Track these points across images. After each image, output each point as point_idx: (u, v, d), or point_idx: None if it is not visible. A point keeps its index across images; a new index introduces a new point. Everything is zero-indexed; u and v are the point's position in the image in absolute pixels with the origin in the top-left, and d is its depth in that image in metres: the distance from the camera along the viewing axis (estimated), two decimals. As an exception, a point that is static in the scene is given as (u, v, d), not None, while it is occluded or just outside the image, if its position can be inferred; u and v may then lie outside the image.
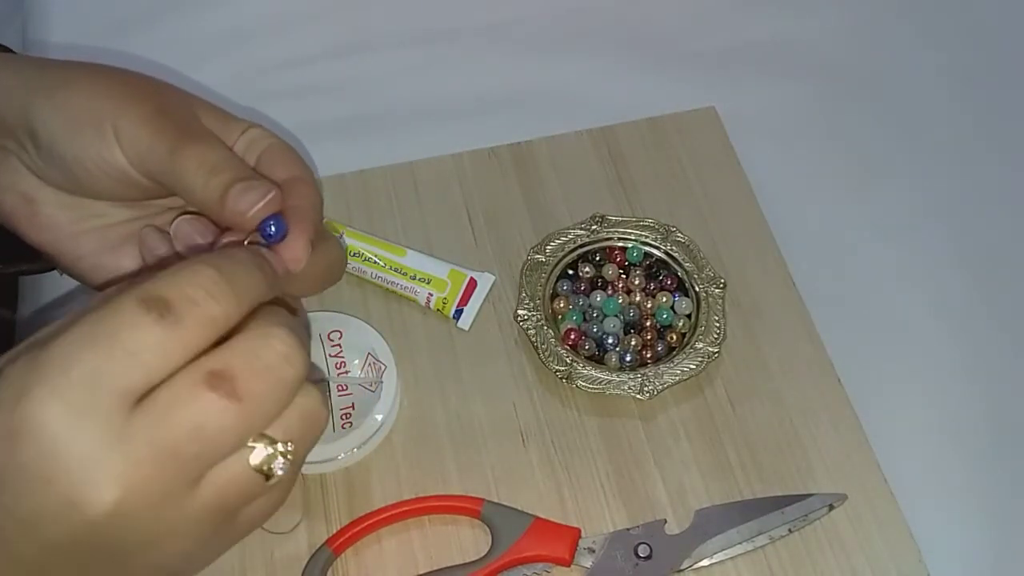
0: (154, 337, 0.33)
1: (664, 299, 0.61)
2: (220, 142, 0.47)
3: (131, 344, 0.33)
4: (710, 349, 0.59)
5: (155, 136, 0.45)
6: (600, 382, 0.58)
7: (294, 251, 0.44)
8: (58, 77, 0.47)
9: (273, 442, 0.36)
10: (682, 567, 0.53)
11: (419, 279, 0.61)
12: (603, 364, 0.59)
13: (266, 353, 0.35)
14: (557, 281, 0.62)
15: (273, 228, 0.44)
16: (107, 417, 0.33)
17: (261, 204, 0.44)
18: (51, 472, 0.32)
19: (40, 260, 0.52)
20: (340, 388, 0.57)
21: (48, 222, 0.49)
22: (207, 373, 0.34)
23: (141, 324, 0.33)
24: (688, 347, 0.59)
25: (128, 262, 0.49)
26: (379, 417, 0.56)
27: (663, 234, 0.63)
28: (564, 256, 0.63)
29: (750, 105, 0.71)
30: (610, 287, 0.62)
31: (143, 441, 0.33)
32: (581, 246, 0.63)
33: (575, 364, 0.58)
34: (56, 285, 0.65)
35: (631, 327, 0.61)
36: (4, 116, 0.47)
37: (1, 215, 0.49)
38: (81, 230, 0.49)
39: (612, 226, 0.64)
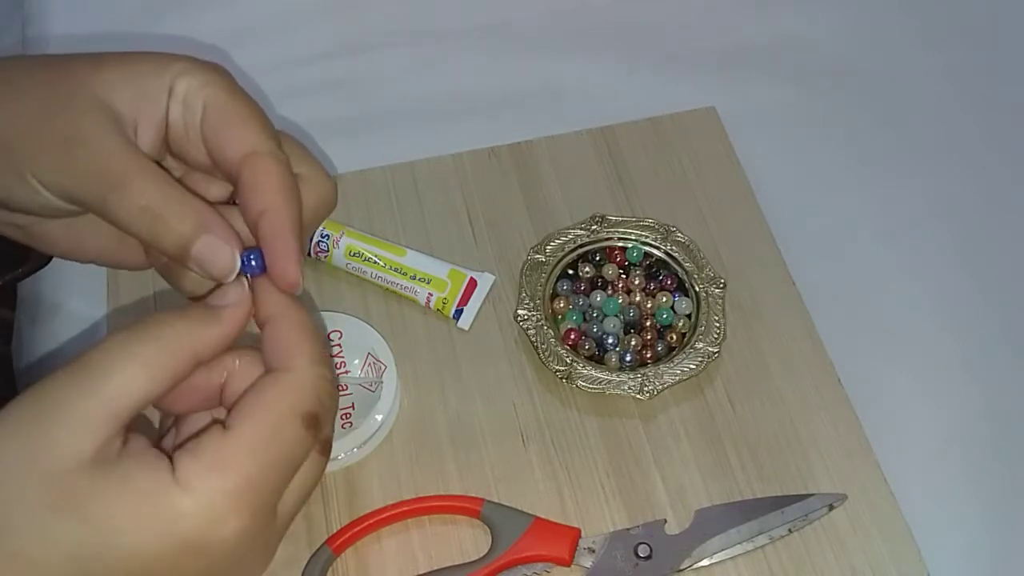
0: (309, 449, 0.40)
1: (664, 299, 0.61)
2: (150, 175, 0.42)
3: (295, 459, 0.39)
4: (710, 349, 0.59)
5: (78, 185, 0.42)
6: (600, 382, 0.58)
7: (286, 279, 0.42)
8: None
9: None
10: (682, 567, 0.53)
11: (419, 279, 0.61)
12: (603, 364, 0.59)
13: (334, 395, 0.42)
14: (557, 281, 0.62)
15: (254, 262, 0.42)
16: (272, 516, 0.39)
17: (231, 274, 0.42)
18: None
19: (28, 262, 0.52)
20: (340, 388, 0.57)
21: (45, 239, 0.48)
22: (323, 443, 0.41)
23: (303, 442, 0.39)
24: (688, 347, 0.59)
25: (137, 253, 0.47)
26: (379, 417, 0.56)
27: (663, 234, 0.63)
28: (564, 256, 0.63)
29: (750, 105, 0.71)
30: (610, 287, 0.62)
31: (289, 518, 0.41)
32: (581, 246, 0.63)
33: (575, 364, 0.58)
34: (56, 286, 0.65)
35: (631, 327, 0.61)
36: None
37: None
38: (80, 237, 0.48)
39: (612, 226, 0.64)
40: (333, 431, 0.42)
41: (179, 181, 0.44)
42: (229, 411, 0.39)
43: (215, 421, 0.40)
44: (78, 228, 0.47)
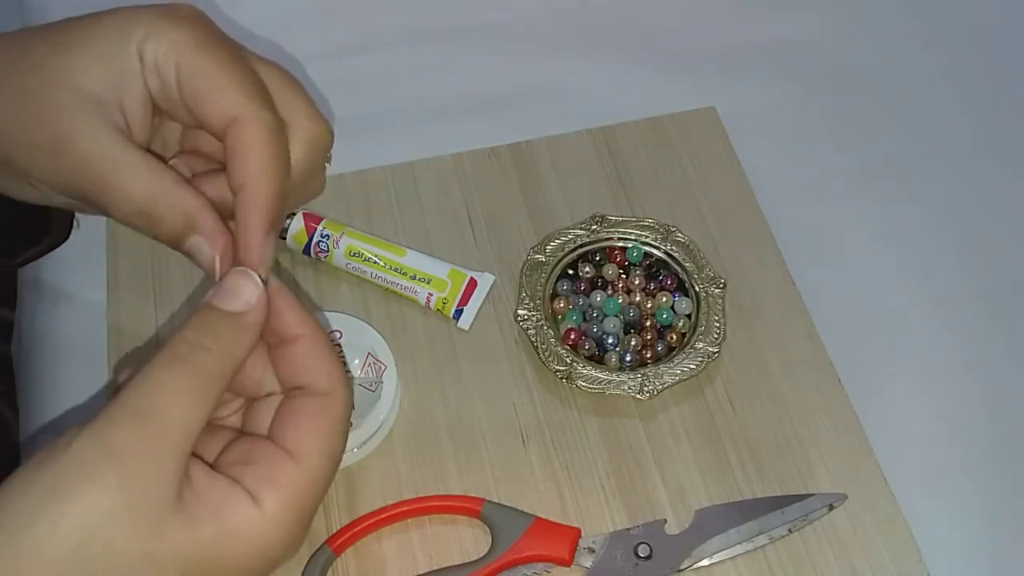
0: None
1: (664, 299, 0.61)
2: (137, 173, 0.42)
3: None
4: (710, 349, 0.59)
5: (76, 187, 0.43)
6: (600, 382, 0.58)
7: (248, 259, 0.42)
8: None
9: None
10: (682, 567, 0.53)
11: (419, 279, 0.61)
12: (603, 364, 0.59)
13: None
14: (557, 281, 0.62)
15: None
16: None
17: (217, 268, 0.43)
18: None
19: (47, 238, 0.52)
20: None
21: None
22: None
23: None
24: (688, 347, 0.59)
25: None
26: (379, 417, 0.56)
27: (663, 234, 0.63)
28: (564, 256, 0.63)
29: (750, 105, 0.71)
30: (610, 287, 0.62)
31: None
32: (581, 246, 0.63)
33: (575, 364, 0.58)
34: (56, 285, 0.65)
35: (631, 327, 0.61)
36: None
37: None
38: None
39: (612, 226, 0.64)
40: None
41: (183, 142, 0.45)
42: (277, 426, 0.42)
43: (266, 440, 0.42)
44: None
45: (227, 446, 0.42)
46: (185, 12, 0.43)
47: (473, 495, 0.55)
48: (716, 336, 0.60)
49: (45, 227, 0.57)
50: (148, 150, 0.44)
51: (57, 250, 0.66)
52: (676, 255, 0.63)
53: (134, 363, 0.43)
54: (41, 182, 0.43)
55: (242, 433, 0.44)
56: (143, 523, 0.36)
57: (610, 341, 0.60)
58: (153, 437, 0.37)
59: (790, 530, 0.54)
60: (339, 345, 0.59)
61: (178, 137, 0.48)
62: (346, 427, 0.42)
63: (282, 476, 0.40)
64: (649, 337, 0.60)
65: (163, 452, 0.37)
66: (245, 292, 0.41)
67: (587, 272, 0.63)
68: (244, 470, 0.40)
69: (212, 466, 0.40)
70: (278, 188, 0.43)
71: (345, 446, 0.42)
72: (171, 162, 0.45)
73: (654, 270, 0.63)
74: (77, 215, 0.58)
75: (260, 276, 0.42)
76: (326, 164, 0.49)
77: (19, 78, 0.42)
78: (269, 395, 0.44)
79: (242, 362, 0.41)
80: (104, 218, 0.65)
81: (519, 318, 0.60)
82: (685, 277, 0.62)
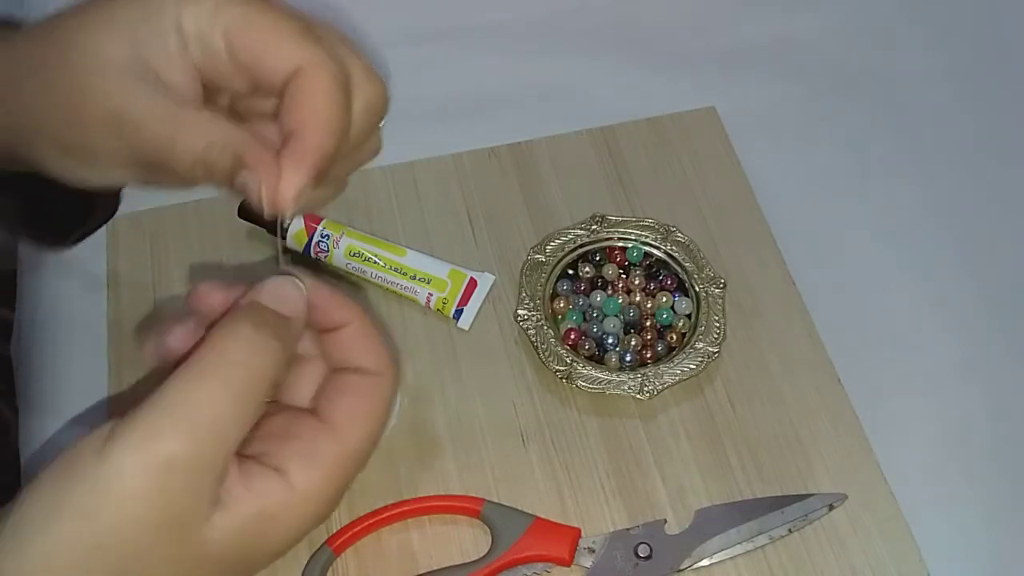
0: None
1: (664, 299, 0.61)
2: (194, 120, 0.41)
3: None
4: (710, 349, 0.59)
5: (138, 159, 0.42)
6: (600, 382, 0.58)
7: (275, 201, 0.42)
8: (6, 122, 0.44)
9: None
10: (682, 567, 0.53)
11: (419, 279, 0.61)
12: (603, 364, 0.59)
13: None
14: (557, 281, 0.62)
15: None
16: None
17: (267, 206, 0.42)
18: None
19: (94, 215, 0.54)
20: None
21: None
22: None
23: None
24: (688, 347, 0.59)
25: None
26: (379, 417, 0.56)
27: (663, 234, 0.63)
28: (564, 256, 0.63)
29: (750, 105, 0.71)
30: (610, 287, 0.62)
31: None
32: (581, 246, 0.63)
33: (575, 364, 0.58)
34: (56, 285, 0.65)
35: (631, 327, 0.61)
36: None
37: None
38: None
39: (612, 226, 0.64)
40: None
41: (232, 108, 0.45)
42: (320, 401, 0.43)
43: (309, 413, 0.42)
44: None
45: (266, 416, 0.42)
46: None
47: (473, 495, 0.55)
48: (716, 336, 0.60)
49: (92, 205, 0.57)
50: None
51: (57, 250, 0.66)
52: (676, 255, 0.63)
53: (153, 330, 0.43)
54: (106, 158, 0.43)
55: (279, 404, 0.44)
56: (186, 534, 0.37)
57: (610, 341, 0.60)
58: (202, 451, 0.37)
59: (790, 530, 0.54)
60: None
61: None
62: (390, 410, 0.43)
63: (322, 452, 0.40)
64: (649, 337, 0.60)
65: (211, 466, 0.37)
66: (291, 299, 0.42)
67: (587, 272, 0.63)
68: (284, 445, 0.40)
69: (250, 437, 0.40)
70: (334, 141, 0.42)
71: (384, 429, 0.43)
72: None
73: (654, 270, 0.63)
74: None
75: (287, 217, 0.42)
76: (380, 126, 0.47)
77: (59, 69, 0.42)
78: (308, 362, 0.45)
79: (283, 372, 0.41)
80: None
81: (519, 318, 0.60)
82: (685, 277, 0.62)
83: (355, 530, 0.53)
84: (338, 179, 0.47)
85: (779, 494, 0.55)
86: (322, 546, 0.53)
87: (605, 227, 0.64)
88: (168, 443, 0.36)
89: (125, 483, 0.36)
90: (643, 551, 0.53)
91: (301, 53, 0.41)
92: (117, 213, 0.65)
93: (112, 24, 0.42)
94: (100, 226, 0.60)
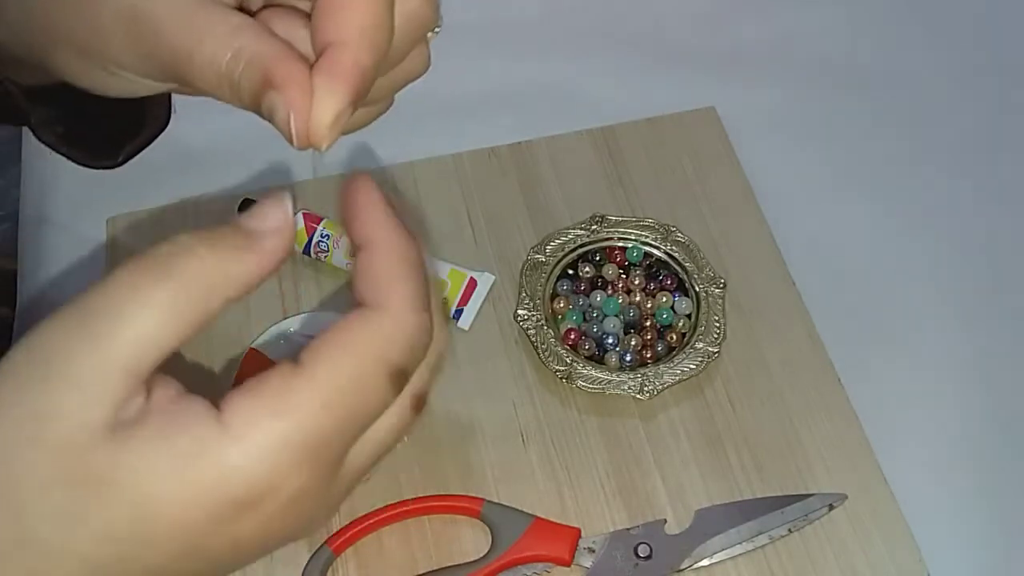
0: (388, 404, 0.34)
1: (664, 299, 0.61)
2: (218, 27, 0.36)
3: (372, 415, 0.33)
4: (710, 349, 0.59)
5: (157, 68, 0.38)
6: (600, 382, 0.58)
7: (307, 129, 0.35)
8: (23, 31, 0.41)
9: None
10: (682, 567, 0.53)
11: (419, 279, 0.61)
12: (603, 364, 0.59)
13: (441, 362, 0.37)
14: (557, 281, 0.62)
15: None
16: (336, 473, 0.33)
17: (295, 133, 0.36)
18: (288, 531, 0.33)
19: (145, 128, 0.50)
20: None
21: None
22: (414, 399, 0.35)
23: (384, 397, 0.33)
24: (688, 347, 0.59)
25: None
26: (379, 417, 0.56)
27: (663, 234, 0.63)
28: (564, 256, 0.63)
29: (750, 105, 0.71)
30: (610, 287, 0.62)
31: (357, 474, 0.34)
32: (581, 246, 0.63)
33: (575, 364, 0.58)
34: (56, 284, 0.65)
35: (631, 327, 0.61)
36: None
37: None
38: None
39: (612, 226, 0.64)
40: (432, 384, 0.36)
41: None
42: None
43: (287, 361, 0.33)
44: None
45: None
46: None
47: (473, 495, 0.55)
48: (716, 336, 0.60)
49: (140, 119, 0.53)
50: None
51: (57, 250, 0.66)
52: (676, 255, 0.63)
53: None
54: (127, 65, 0.38)
55: None
56: (52, 441, 0.30)
57: (610, 341, 0.60)
58: (92, 344, 0.30)
59: (790, 530, 0.54)
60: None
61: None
62: (399, 359, 0.33)
63: (269, 384, 0.31)
64: (649, 337, 0.60)
65: (98, 364, 0.30)
66: (270, 214, 0.33)
67: (587, 272, 0.63)
68: (235, 387, 0.31)
69: None
70: (376, 54, 0.36)
71: (393, 382, 0.33)
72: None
73: (654, 270, 0.63)
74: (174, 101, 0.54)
75: (321, 149, 0.36)
76: (430, 36, 0.42)
77: None
78: None
79: (241, 290, 0.33)
80: (104, 218, 0.65)
81: (519, 318, 0.60)
82: (685, 277, 0.62)
83: (355, 530, 0.53)
84: (382, 97, 0.41)
85: (779, 494, 0.55)
86: (322, 546, 0.53)
87: (605, 227, 0.64)
88: (55, 330, 0.31)
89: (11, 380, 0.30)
90: (643, 551, 0.53)
91: None
92: (117, 214, 0.66)
93: None
94: (150, 141, 0.54)
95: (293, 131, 0.35)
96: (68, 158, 0.52)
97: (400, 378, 0.33)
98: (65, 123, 0.50)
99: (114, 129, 0.51)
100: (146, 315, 0.31)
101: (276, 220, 0.33)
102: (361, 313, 0.33)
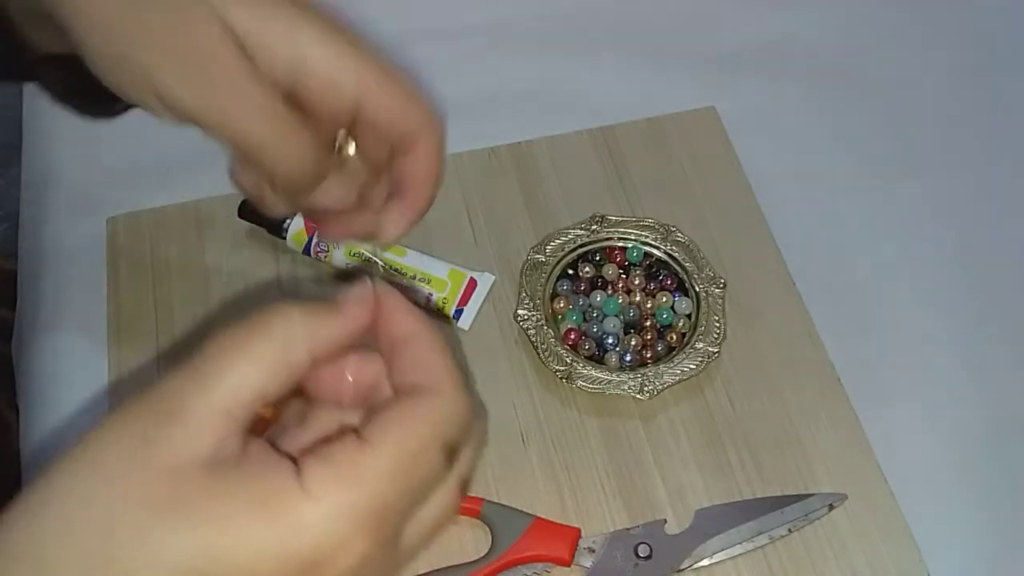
0: (443, 479, 0.36)
1: (664, 299, 0.61)
2: (267, 108, 0.43)
3: (429, 487, 0.36)
4: (710, 349, 0.59)
5: (201, 108, 0.44)
6: (600, 382, 0.58)
7: (388, 235, 0.48)
8: (88, 34, 0.44)
9: None
10: (682, 567, 0.53)
11: (419, 279, 0.61)
12: (603, 364, 0.59)
13: (481, 451, 0.39)
14: (557, 281, 0.62)
15: None
16: (394, 545, 0.35)
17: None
18: None
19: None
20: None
21: None
22: (460, 483, 0.38)
23: (439, 471, 0.36)
24: (688, 347, 0.59)
25: None
26: (379, 417, 0.56)
27: (663, 234, 0.63)
28: (564, 256, 0.63)
29: (750, 105, 0.71)
30: (610, 287, 0.62)
31: (411, 551, 0.37)
32: (581, 246, 0.63)
33: (575, 364, 0.58)
34: (56, 285, 0.65)
35: (631, 327, 0.61)
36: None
37: None
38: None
39: (612, 226, 0.64)
40: (474, 468, 0.39)
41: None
42: (364, 422, 0.36)
43: (347, 428, 0.36)
44: None
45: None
46: (352, 34, 0.47)
47: (473, 495, 0.55)
48: (716, 336, 0.60)
49: None
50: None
51: (57, 250, 0.66)
52: (676, 255, 0.63)
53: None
54: (160, 97, 0.43)
55: None
56: (151, 467, 0.32)
57: (610, 341, 0.60)
58: (197, 386, 0.33)
59: (790, 530, 0.54)
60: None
61: None
62: (452, 435, 0.36)
63: (340, 454, 0.34)
64: (649, 337, 0.60)
65: (203, 403, 0.33)
66: (354, 290, 0.38)
67: (587, 272, 0.63)
68: (308, 453, 0.34)
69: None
70: (435, 191, 0.48)
71: (447, 457, 0.36)
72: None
73: (654, 270, 0.63)
74: None
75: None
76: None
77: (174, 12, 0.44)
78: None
79: (327, 348, 0.36)
80: (103, 218, 0.65)
81: (519, 318, 0.60)
82: (685, 277, 0.62)
83: (355, 530, 0.53)
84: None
85: (779, 494, 0.55)
86: (322, 546, 0.53)
87: (605, 227, 0.64)
88: (162, 383, 0.34)
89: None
90: (643, 551, 0.53)
91: (422, 116, 0.47)
92: (117, 214, 0.66)
93: (257, 29, 0.44)
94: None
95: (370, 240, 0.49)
96: (67, 109, 0.54)
97: (452, 453, 0.36)
98: (68, 82, 0.52)
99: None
100: (246, 365, 0.34)
101: (358, 293, 0.38)
102: (420, 395, 0.36)
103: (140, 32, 0.43)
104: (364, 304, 0.38)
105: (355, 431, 0.35)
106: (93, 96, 0.52)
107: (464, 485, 0.38)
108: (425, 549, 0.37)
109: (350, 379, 0.38)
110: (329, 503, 0.33)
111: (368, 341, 0.38)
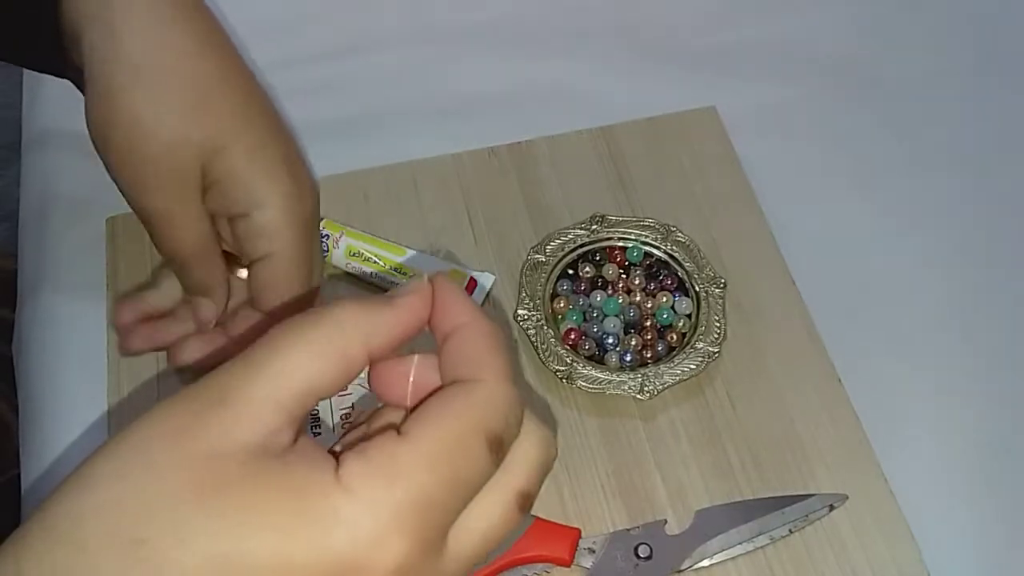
0: (489, 475, 0.34)
1: (664, 299, 0.61)
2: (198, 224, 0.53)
3: (473, 483, 0.34)
4: (710, 349, 0.59)
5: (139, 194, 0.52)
6: (600, 382, 0.58)
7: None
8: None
9: None
10: (682, 567, 0.53)
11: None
12: (603, 364, 0.59)
13: (548, 464, 0.37)
14: (557, 281, 0.62)
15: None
16: (438, 550, 0.33)
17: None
18: None
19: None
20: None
21: None
22: (518, 495, 0.36)
23: (483, 464, 0.34)
24: (688, 347, 0.59)
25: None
26: (379, 417, 0.56)
27: (663, 234, 0.63)
28: (564, 256, 0.63)
29: (750, 105, 0.71)
30: (610, 287, 0.62)
31: (460, 564, 0.34)
32: (581, 246, 0.63)
33: (575, 364, 0.58)
34: (56, 285, 0.65)
35: (631, 327, 0.61)
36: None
37: None
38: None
39: (612, 226, 0.64)
40: (539, 486, 0.37)
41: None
42: (405, 417, 0.35)
43: (390, 426, 0.35)
44: None
45: None
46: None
47: (473, 495, 0.55)
48: (716, 336, 0.60)
49: None
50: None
51: (57, 250, 0.66)
52: (676, 255, 0.63)
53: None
54: (113, 166, 0.51)
55: None
56: (194, 451, 0.31)
57: (610, 341, 0.60)
58: (249, 375, 0.33)
59: (790, 530, 0.54)
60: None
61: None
62: (496, 425, 0.34)
63: (377, 448, 0.32)
64: (649, 337, 0.60)
65: (254, 391, 0.32)
66: (410, 283, 0.37)
67: (587, 272, 0.63)
68: (348, 449, 0.33)
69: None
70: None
71: (493, 449, 0.34)
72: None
73: (654, 270, 0.63)
74: None
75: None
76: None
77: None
78: None
79: (383, 339, 0.35)
80: (103, 218, 0.65)
81: (519, 318, 0.60)
82: (685, 277, 0.62)
83: (355, 530, 0.53)
84: None
85: (779, 494, 0.55)
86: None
87: (605, 227, 0.64)
88: (218, 372, 0.33)
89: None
90: (643, 551, 0.53)
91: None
92: (117, 214, 0.66)
93: None
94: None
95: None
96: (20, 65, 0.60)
97: (498, 445, 0.34)
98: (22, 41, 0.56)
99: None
100: (296, 353, 0.33)
101: (413, 285, 0.37)
102: (458, 385, 0.35)
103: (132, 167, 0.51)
104: (420, 295, 0.36)
105: (395, 427, 0.34)
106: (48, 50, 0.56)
107: (525, 499, 0.36)
108: (480, 563, 0.35)
109: (411, 379, 0.36)
110: (365, 496, 0.31)
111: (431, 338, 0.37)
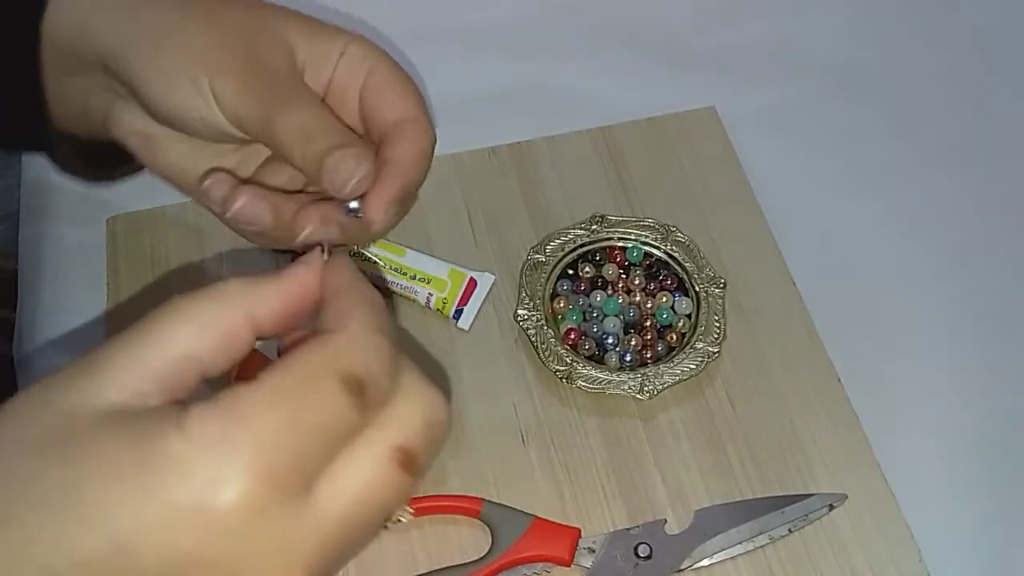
0: (350, 421, 0.33)
1: (664, 299, 0.61)
2: (315, 101, 0.49)
3: (329, 426, 0.32)
4: (710, 349, 0.59)
5: (249, 99, 0.48)
6: (600, 382, 0.58)
7: (371, 214, 0.47)
8: (149, 29, 0.50)
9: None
10: (682, 567, 0.53)
11: (419, 279, 0.61)
12: (603, 364, 0.59)
13: (436, 426, 0.35)
14: (557, 281, 0.62)
15: (356, 207, 0.47)
16: (297, 499, 0.32)
17: (354, 182, 0.46)
18: (241, 565, 0.31)
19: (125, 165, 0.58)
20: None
21: (166, 157, 0.53)
22: (396, 451, 0.33)
23: (342, 408, 0.32)
24: (688, 347, 0.59)
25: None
26: (379, 417, 0.56)
27: (663, 234, 0.63)
28: (564, 256, 0.63)
29: (750, 105, 0.71)
30: (610, 287, 0.62)
31: (331, 522, 0.33)
32: (581, 246, 0.63)
33: (575, 364, 0.58)
34: (56, 285, 0.65)
35: (631, 327, 0.61)
36: (108, 64, 0.50)
37: (125, 148, 0.53)
38: (198, 162, 0.52)
39: (612, 226, 0.64)
40: (429, 449, 0.35)
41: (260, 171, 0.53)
42: None
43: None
44: (200, 149, 0.52)
45: None
46: (382, 49, 0.52)
47: (473, 495, 0.55)
48: (716, 336, 0.60)
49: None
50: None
51: (57, 250, 0.66)
52: (676, 255, 0.63)
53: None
54: (215, 91, 0.48)
55: None
56: (53, 410, 0.32)
57: (610, 341, 0.60)
58: (123, 344, 0.33)
59: (790, 530, 0.54)
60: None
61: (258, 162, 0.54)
62: (355, 368, 0.33)
63: (224, 393, 0.31)
64: (649, 337, 0.60)
65: (123, 358, 0.32)
66: (304, 258, 0.37)
67: (587, 272, 0.63)
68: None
69: None
70: (417, 179, 0.50)
71: (351, 391, 0.32)
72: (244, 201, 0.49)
73: (654, 270, 0.63)
74: None
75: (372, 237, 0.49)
76: None
77: (246, 11, 0.51)
78: None
79: (266, 312, 0.35)
80: (103, 218, 0.65)
81: (519, 318, 0.60)
82: (685, 277, 0.62)
83: (355, 530, 0.53)
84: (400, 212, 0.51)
85: (779, 494, 0.55)
86: (322, 546, 0.53)
87: (605, 227, 0.64)
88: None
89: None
90: (643, 551, 0.53)
91: (413, 110, 0.51)
92: (117, 214, 0.66)
93: (310, 35, 0.51)
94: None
95: (351, 183, 0.47)
96: (69, 175, 0.59)
97: (358, 389, 0.33)
98: (83, 154, 0.57)
99: (119, 156, 0.55)
100: (175, 322, 0.33)
101: (304, 260, 0.37)
102: (319, 333, 0.34)
103: (213, 53, 0.49)
104: (308, 268, 0.36)
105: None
106: (97, 163, 0.58)
107: (406, 457, 0.33)
108: (364, 529, 0.34)
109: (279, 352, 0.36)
110: (200, 437, 0.30)
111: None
